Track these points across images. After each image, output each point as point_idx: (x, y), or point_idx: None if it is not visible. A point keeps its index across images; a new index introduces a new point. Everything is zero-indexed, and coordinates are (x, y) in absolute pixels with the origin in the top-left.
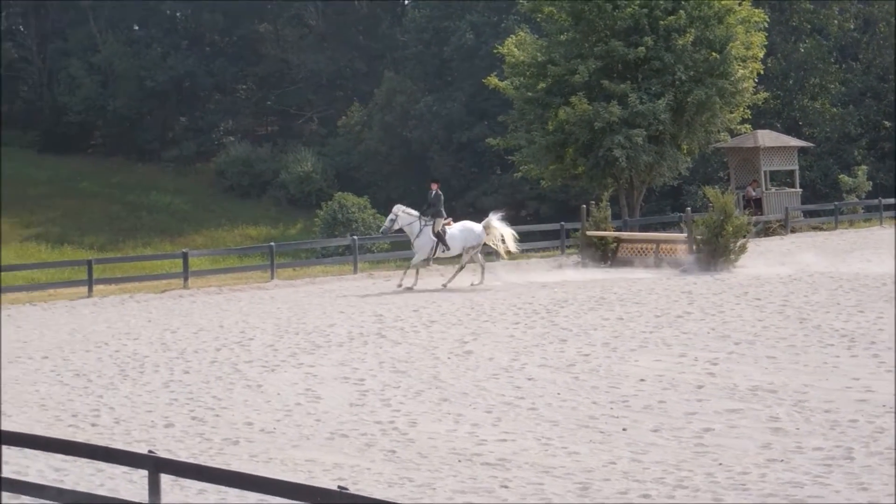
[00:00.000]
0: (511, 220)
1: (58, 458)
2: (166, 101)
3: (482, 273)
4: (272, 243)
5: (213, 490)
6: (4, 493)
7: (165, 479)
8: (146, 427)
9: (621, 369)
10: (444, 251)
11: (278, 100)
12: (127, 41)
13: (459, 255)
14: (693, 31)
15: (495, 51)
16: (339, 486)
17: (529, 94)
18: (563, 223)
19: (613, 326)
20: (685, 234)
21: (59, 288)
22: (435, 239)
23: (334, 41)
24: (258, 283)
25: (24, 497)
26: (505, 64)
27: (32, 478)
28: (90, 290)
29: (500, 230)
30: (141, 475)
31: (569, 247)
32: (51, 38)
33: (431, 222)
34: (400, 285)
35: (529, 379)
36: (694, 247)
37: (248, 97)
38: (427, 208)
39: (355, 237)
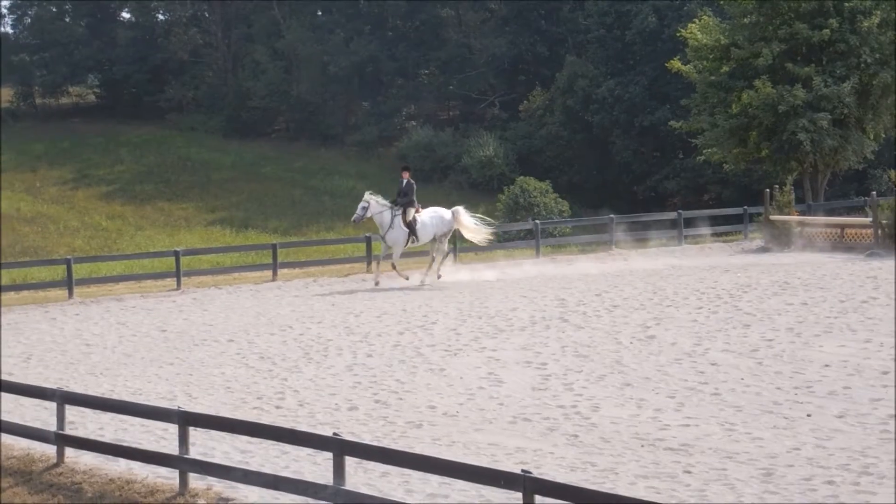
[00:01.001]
0: (693, 205)
1: (243, 440)
2: (349, 86)
3: (438, 263)
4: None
5: (396, 473)
6: (192, 475)
7: (349, 462)
8: (330, 410)
9: (805, 354)
10: (413, 241)
11: (460, 84)
12: (310, 27)
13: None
14: (879, 12)
15: (678, 34)
16: (522, 470)
17: (712, 77)
18: (745, 207)
19: (797, 311)
20: (870, 219)
21: (243, 272)
22: (406, 230)
23: (516, 25)
24: (443, 266)
25: (210, 478)
26: (688, 47)
27: (218, 459)
28: (274, 273)
29: (465, 222)
30: (325, 457)
31: (752, 231)
32: (235, 24)
33: (401, 212)
34: (377, 283)
35: (712, 364)
36: (879, 231)
37: (430, 82)
38: (399, 197)
39: (537, 221)
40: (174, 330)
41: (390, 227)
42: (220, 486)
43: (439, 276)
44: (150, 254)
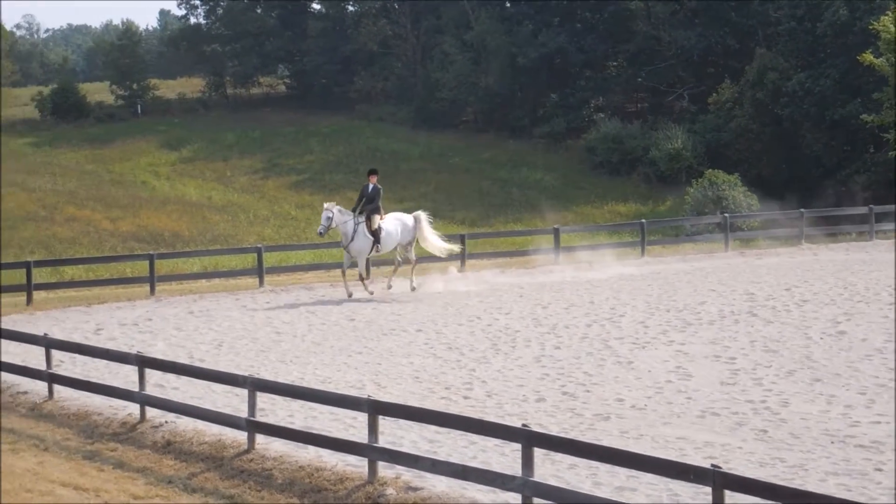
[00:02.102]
0: (883, 200)
1: (431, 430)
2: (537, 78)
3: (411, 273)
4: (643, 220)
5: (583, 465)
6: (381, 464)
7: (537, 453)
8: (518, 401)
9: None
10: (377, 251)
11: (648, 76)
12: (499, 18)
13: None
14: None
15: (870, 27)
16: (711, 465)
17: None
18: None
19: None
20: None
21: (431, 262)
22: (372, 238)
23: (706, 17)
24: (628, 259)
25: (398, 467)
26: (880, 40)
27: (407, 448)
28: (462, 263)
29: (425, 231)
30: (513, 448)
31: None
32: (424, 15)
33: (364, 220)
34: (350, 294)
35: None
36: None
37: (618, 74)
38: (365, 204)
39: (726, 214)
40: (363, 319)
41: (354, 236)
42: (408, 475)
43: (413, 288)
44: (339, 243)
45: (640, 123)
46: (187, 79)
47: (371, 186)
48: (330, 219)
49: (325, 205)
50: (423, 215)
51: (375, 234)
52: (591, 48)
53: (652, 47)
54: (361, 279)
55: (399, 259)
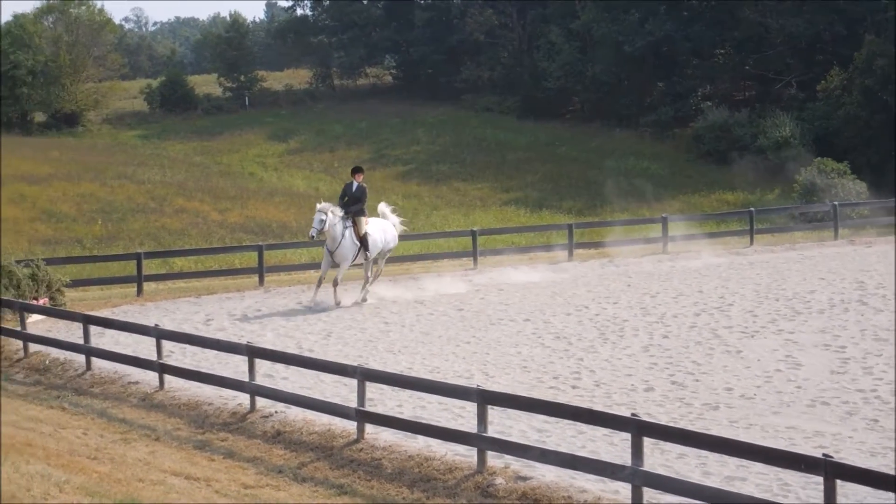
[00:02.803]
0: None
1: (539, 420)
2: (644, 67)
3: (370, 283)
4: (751, 209)
5: (693, 455)
6: (490, 453)
7: (646, 442)
8: (626, 390)
9: None
10: (365, 258)
11: (756, 64)
12: (605, 7)
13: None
14: None
15: None
16: (823, 454)
17: None
18: None
19: None
20: None
21: (539, 251)
22: (358, 244)
23: (814, 4)
24: (737, 248)
25: (507, 456)
26: None
27: (515, 438)
28: (570, 253)
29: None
30: (622, 438)
31: None
32: (530, 5)
33: (351, 224)
34: (338, 303)
35: None
36: None
37: (725, 62)
38: (351, 205)
39: (835, 203)
40: (471, 309)
41: (341, 240)
42: (517, 464)
43: (364, 300)
44: (447, 233)
45: (748, 111)
46: (294, 70)
47: (356, 185)
48: (324, 221)
49: (319, 205)
50: (387, 210)
51: (363, 241)
52: (698, 36)
53: (759, 35)
54: (335, 285)
55: (369, 272)
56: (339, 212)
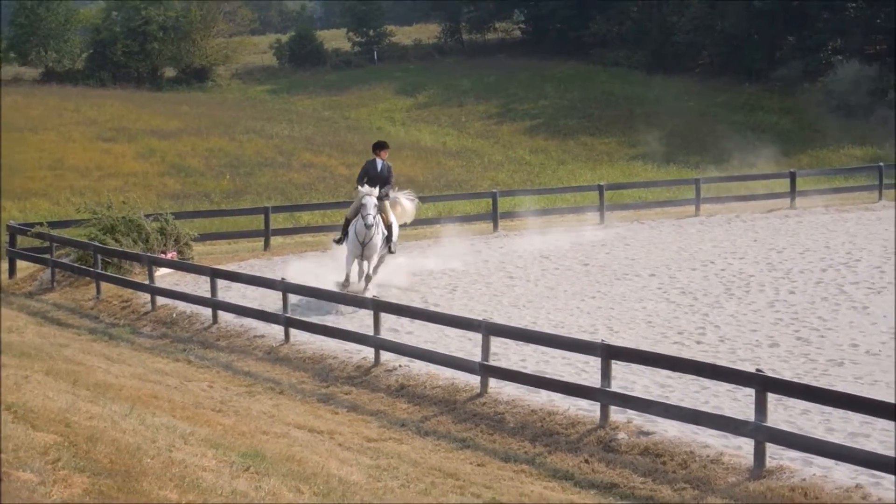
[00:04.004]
0: None
1: (662, 375)
2: (774, 21)
3: (370, 276)
4: (881, 164)
5: (816, 410)
6: (612, 408)
7: (770, 398)
8: (751, 346)
9: None
10: (390, 251)
11: (888, 17)
12: None
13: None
14: None
15: None
16: None
17: None
18: None
19: None
20: None
21: (666, 206)
22: (385, 233)
23: None
24: (865, 203)
25: (630, 411)
26: None
27: (638, 393)
28: (697, 208)
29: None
30: (745, 394)
31: None
32: None
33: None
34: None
35: None
36: None
37: (857, 15)
38: (381, 187)
39: None
40: (596, 264)
41: (375, 230)
42: (639, 419)
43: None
44: (573, 188)
45: (879, 65)
46: (423, 25)
47: (381, 163)
48: (377, 206)
49: (364, 189)
50: (400, 195)
51: (390, 229)
52: None
53: None
54: (368, 281)
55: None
56: (376, 193)
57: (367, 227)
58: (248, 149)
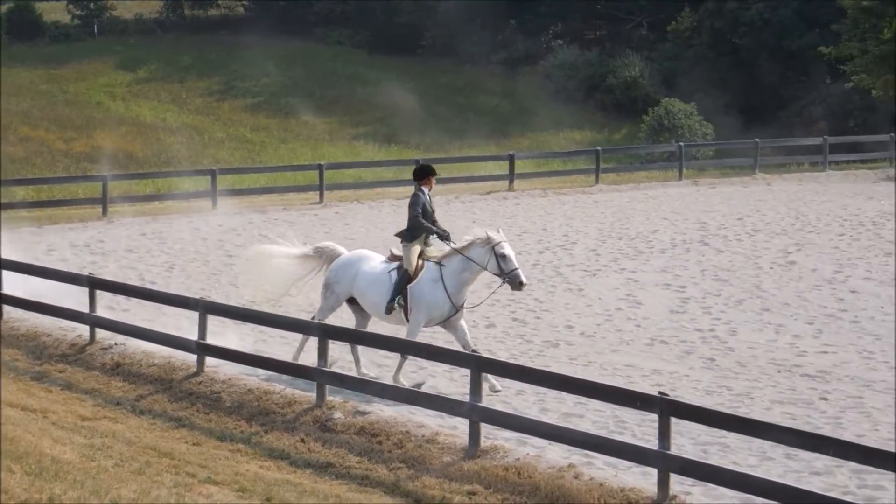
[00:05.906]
0: (838, 131)
1: (380, 355)
2: (496, 4)
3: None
4: (598, 148)
5: (531, 391)
6: (329, 388)
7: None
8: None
9: None
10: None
11: (608, 4)
12: None
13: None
14: None
15: None
16: (659, 392)
17: (864, 3)
18: (893, 134)
19: None
20: None
21: (386, 187)
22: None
23: None
24: (582, 186)
25: (347, 391)
26: None
27: (355, 373)
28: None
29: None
30: (462, 374)
31: None
32: None
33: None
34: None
35: (852, 291)
36: None
37: (577, 1)
38: (432, 224)
39: (681, 143)
40: (316, 244)
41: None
42: (356, 399)
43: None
44: (294, 167)
45: (598, 51)
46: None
47: (427, 193)
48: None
49: (483, 232)
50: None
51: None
52: None
53: None
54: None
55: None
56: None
57: (521, 285)
58: None
